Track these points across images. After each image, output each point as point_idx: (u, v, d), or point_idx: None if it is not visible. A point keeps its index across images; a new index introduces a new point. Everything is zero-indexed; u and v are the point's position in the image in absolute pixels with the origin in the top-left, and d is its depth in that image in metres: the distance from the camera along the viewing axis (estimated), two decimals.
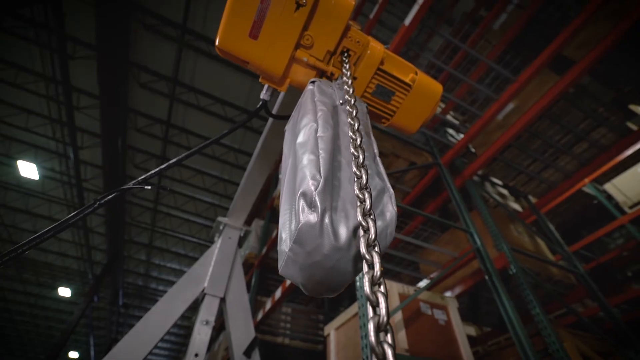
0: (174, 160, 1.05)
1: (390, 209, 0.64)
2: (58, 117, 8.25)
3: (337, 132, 0.72)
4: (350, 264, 0.58)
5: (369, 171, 0.63)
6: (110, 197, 0.91)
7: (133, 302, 15.61)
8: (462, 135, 4.30)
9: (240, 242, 2.58)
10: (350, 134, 0.69)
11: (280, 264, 0.61)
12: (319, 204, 0.55)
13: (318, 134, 0.68)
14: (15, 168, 9.64)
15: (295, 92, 1.29)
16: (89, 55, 7.39)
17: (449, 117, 4.46)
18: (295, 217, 0.58)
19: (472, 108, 3.68)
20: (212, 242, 2.70)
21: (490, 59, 3.79)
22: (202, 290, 2.18)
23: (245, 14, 0.89)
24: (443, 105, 4.49)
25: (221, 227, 2.50)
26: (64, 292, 14.90)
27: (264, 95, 1.09)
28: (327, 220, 0.55)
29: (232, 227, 2.49)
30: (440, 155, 4.01)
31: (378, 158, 0.73)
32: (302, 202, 0.57)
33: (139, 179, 0.99)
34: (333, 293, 0.62)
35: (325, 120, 0.70)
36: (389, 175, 4.06)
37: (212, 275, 2.22)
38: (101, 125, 7.53)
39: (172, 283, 14.21)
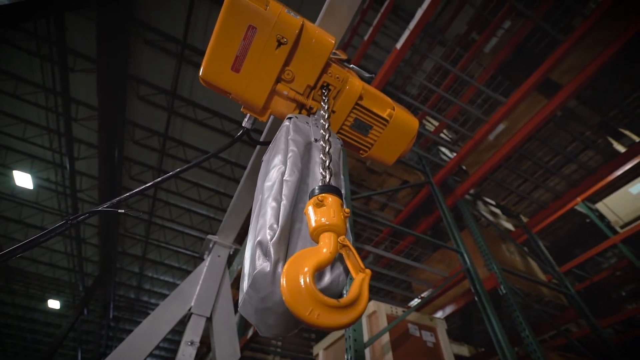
0: (148, 184, 1.06)
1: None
2: (56, 127, 8.28)
3: (305, 173, 0.75)
4: None
5: None
6: (82, 217, 0.93)
7: (124, 316, 15.28)
8: (455, 153, 4.36)
9: (230, 260, 2.58)
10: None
11: (240, 302, 0.64)
12: (272, 254, 0.58)
13: (284, 178, 0.71)
14: (10, 177, 9.59)
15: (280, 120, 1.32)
16: (89, 67, 7.49)
17: (442, 136, 4.53)
18: (252, 262, 0.60)
19: (463, 129, 3.75)
20: (202, 258, 2.69)
21: (481, 80, 3.89)
22: (189, 310, 2.16)
23: (229, 48, 0.93)
24: (436, 124, 4.57)
25: (211, 245, 2.50)
26: (54, 304, 14.58)
27: (245, 123, 1.12)
28: (279, 269, 0.58)
29: (222, 246, 2.48)
30: (433, 174, 4.05)
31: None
32: (258, 250, 0.60)
33: (113, 200, 1.00)
34: (286, 334, 0.64)
35: (293, 163, 0.74)
36: (382, 193, 4.09)
37: (199, 294, 2.20)
38: (98, 136, 7.56)
39: (164, 296, 13.97)
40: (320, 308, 0.48)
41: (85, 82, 7.65)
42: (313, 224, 0.59)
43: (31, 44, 7.14)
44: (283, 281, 0.49)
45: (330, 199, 0.61)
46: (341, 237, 0.58)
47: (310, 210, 0.60)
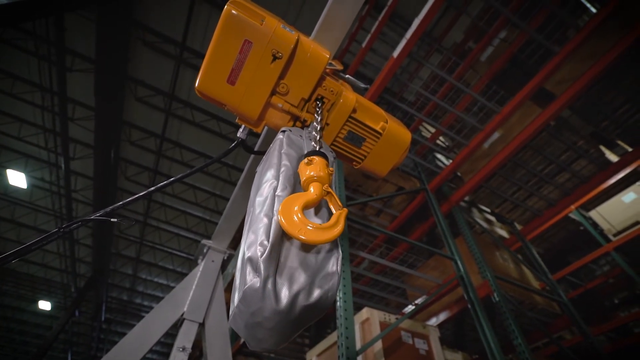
0: (141, 194, 1.07)
1: (335, 276, 0.66)
2: (52, 127, 8.23)
3: (298, 187, 0.76)
4: (291, 326, 0.61)
5: None
6: (74, 226, 0.94)
7: (116, 318, 15.12)
8: (450, 160, 4.40)
9: (224, 265, 2.57)
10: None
11: (230, 315, 0.64)
12: (262, 270, 0.59)
13: (277, 193, 0.72)
14: (4, 176, 9.51)
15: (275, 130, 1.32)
16: (87, 67, 7.47)
17: (438, 142, 4.56)
18: (242, 277, 0.61)
19: (458, 137, 3.78)
20: (197, 262, 2.68)
21: (477, 89, 3.93)
22: (181, 315, 2.15)
23: (225, 61, 0.94)
24: (433, 130, 4.60)
25: (205, 250, 2.49)
26: (44, 305, 14.39)
27: (240, 134, 1.13)
28: (269, 285, 0.59)
29: (216, 251, 2.47)
30: (428, 180, 4.07)
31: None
32: (248, 267, 0.61)
33: (107, 209, 1.00)
34: (275, 348, 0.65)
35: (286, 178, 0.75)
36: (377, 199, 4.11)
37: (192, 300, 2.19)
38: (95, 136, 7.53)
39: (158, 298, 13.86)
40: (307, 229, 0.60)
41: (82, 82, 7.62)
42: (304, 177, 0.74)
43: (29, 43, 7.11)
44: (280, 217, 0.62)
45: (317, 159, 0.77)
46: (325, 185, 0.72)
47: (301, 167, 0.76)
